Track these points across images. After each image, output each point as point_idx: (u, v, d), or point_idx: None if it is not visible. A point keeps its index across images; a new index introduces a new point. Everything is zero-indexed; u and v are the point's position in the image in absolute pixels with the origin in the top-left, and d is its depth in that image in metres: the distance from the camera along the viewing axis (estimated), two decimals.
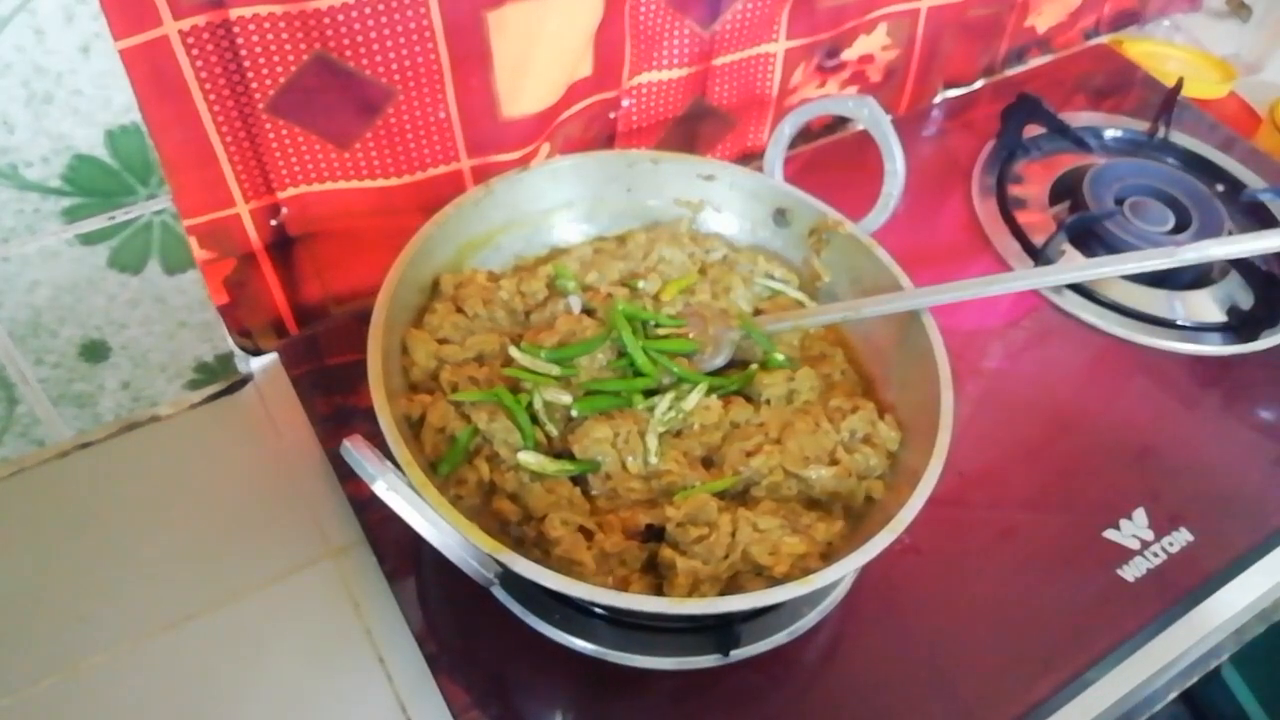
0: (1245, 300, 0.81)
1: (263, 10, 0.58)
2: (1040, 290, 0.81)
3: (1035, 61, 1.07)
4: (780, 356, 0.64)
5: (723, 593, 0.53)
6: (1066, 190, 0.90)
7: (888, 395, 0.64)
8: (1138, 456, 0.71)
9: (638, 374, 0.61)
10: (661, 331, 0.65)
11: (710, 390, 0.62)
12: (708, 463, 0.60)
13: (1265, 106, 1.04)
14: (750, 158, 0.89)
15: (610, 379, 0.61)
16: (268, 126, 0.63)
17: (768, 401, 0.62)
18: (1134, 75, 1.05)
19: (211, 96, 0.60)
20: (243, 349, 0.73)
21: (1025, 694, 0.59)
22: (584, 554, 0.53)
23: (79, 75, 0.54)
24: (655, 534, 0.56)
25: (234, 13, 0.58)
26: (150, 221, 0.62)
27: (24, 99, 0.53)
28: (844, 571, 0.51)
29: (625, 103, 0.79)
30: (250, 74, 0.60)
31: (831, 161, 0.91)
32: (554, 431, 0.59)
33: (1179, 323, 0.80)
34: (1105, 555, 0.65)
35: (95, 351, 0.65)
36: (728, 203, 0.72)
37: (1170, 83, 0.98)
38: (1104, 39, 1.11)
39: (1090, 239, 0.84)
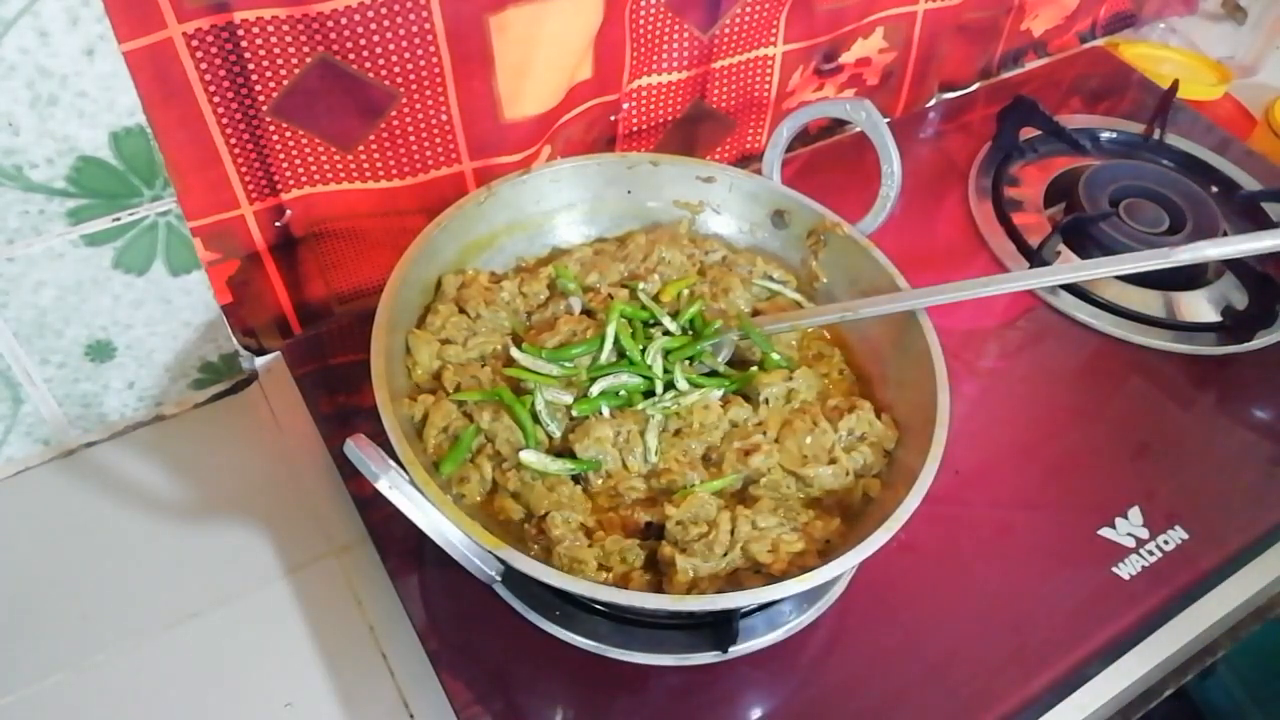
0: (1240, 301, 0.81)
1: (266, 13, 0.59)
2: (1036, 291, 0.82)
3: (1031, 64, 1.07)
4: (778, 356, 0.65)
5: (721, 590, 0.53)
6: (1062, 192, 0.90)
7: (885, 395, 0.64)
8: (1133, 455, 0.72)
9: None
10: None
11: (709, 390, 0.62)
12: (707, 462, 0.60)
13: (1260, 108, 1.05)
14: (749, 160, 0.89)
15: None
16: (271, 129, 0.64)
17: (766, 401, 0.62)
18: (1129, 77, 1.06)
19: (215, 99, 0.61)
20: (247, 349, 0.73)
21: (1021, 690, 0.59)
22: (585, 551, 0.54)
23: (84, 77, 0.54)
24: (655, 532, 0.57)
25: (238, 15, 0.58)
26: (155, 223, 0.62)
27: (29, 101, 0.53)
28: (841, 569, 0.51)
29: (625, 105, 0.80)
30: (254, 76, 0.61)
31: (829, 164, 0.91)
32: (555, 431, 0.59)
33: (1174, 323, 0.80)
34: (1101, 553, 0.65)
35: (100, 351, 0.66)
36: (727, 204, 0.73)
37: (1166, 85, 0.99)
38: (1100, 42, 1.11)
39: (1085, 240, 0.85)
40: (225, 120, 0.62)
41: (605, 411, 0.60)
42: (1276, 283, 0.78)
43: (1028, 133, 0.94)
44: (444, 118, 0.68)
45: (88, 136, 0.56)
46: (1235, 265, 0.82)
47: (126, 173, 0.59)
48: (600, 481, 0.58)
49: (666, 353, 0.63)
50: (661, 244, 0.69)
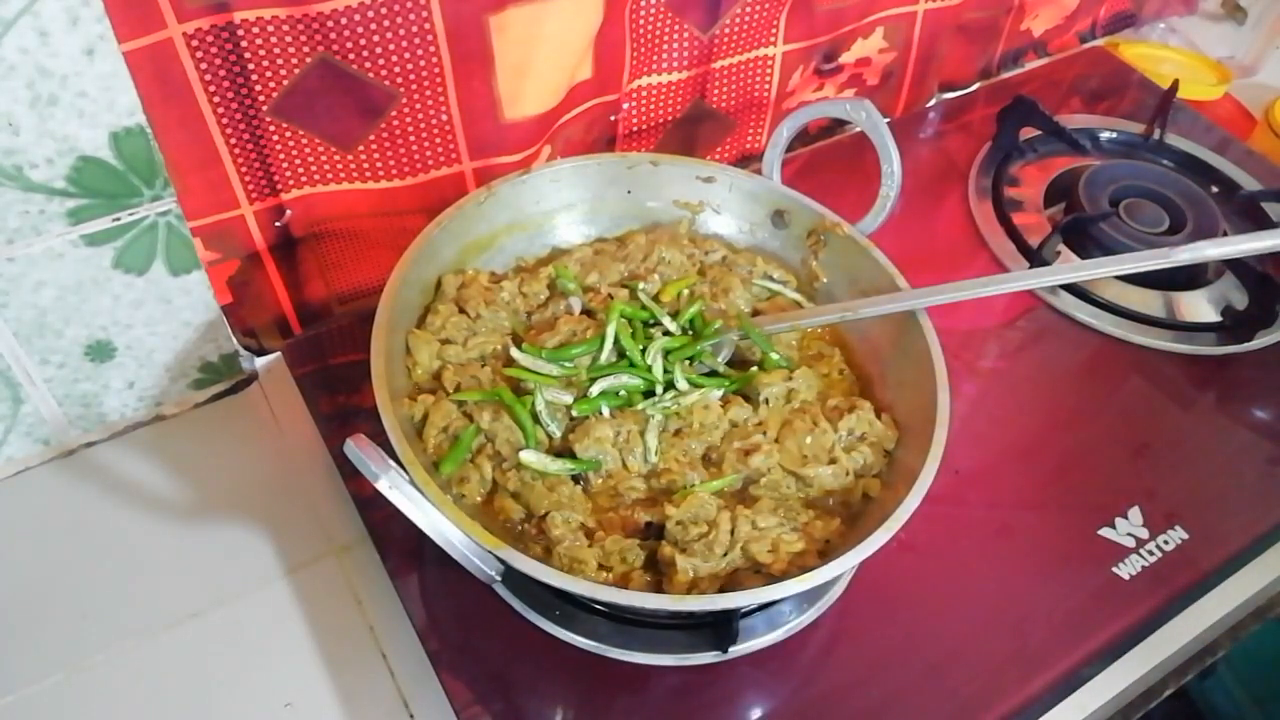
0: (1240, 300, 0.81)
1: (266, 13, 0.59)
2: (1036, 291, 0.82)
3: (1031, 64, 1.07)
4: (778, 356, 0.65)
5: (721, 590, 0.53)
6: (1062, 192, 0.90)
7: (885, 395, 0.64)
8: (1133, 455, 0.72)
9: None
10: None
11: (710, 390, 0.62)
12: (707, 462, 0.60)
13: (1260, 108, 1.05)
14: (749, 160, 0.89)
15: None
16: (271, 129, 0.64)
17: (766, 401, 0.62)
18: (1129, 77, 1.06)
19: (215, 99, 0.61)
20: (247, 349, 0.73)
21: (1021, 690, 0.59)
22: (585, 551, 0.54)
23: (84, 77, 0.54)
24: (655, 532, 0.57)
25: (238, 15, 0.58)
26: (155, 223, 0.62)
27: (29, 101, 0.53)
28: (841, 569, 0.51)
29: (625, 105, 0.80)
30: (254, 76, 0.61)
31: (829, 164, 0.91)
32: (555, 431, 0.59)
33: (1174, 323, 0.80)
34: (1101, 553, 0.65)
35: (100, 351, 0.66)
36: (727, 204, 0.73)
37: (1166, 85, 0.99)
38: (1100, 42, 1.11)
39: (1086, 240, 0.85)
40: (225, 120, 0.62)
41: (605, 411, 0.60)
42: (1276, 283, 0.78)
43: (1028, 133, 0.94)
44: (444, 118, 0.68)
45: (88, 136, 0.56)
46: (1235, 265, 0.82)
47: (126, 173, 0.59)
48: (600, 481, 0.58)
49: (666, 353, 0.63)
50: (661, 244, 0.69)
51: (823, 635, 0.61)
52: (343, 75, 0.63)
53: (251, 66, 0.60)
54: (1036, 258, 0.82)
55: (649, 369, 0.62)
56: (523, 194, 0.69)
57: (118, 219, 0.61)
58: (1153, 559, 0.65)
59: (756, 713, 0.58)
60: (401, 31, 0.62)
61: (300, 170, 0.67)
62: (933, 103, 1.01)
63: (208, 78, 0.60)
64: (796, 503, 0.58)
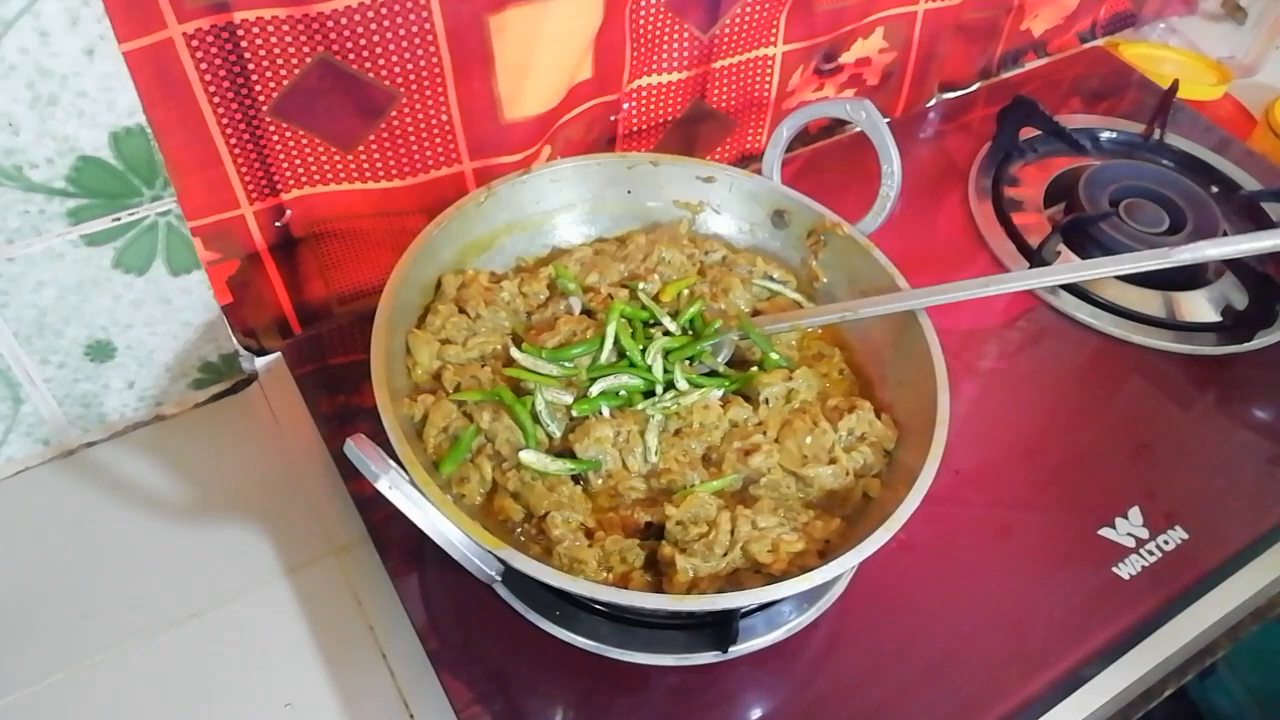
0: (1240, 301, 0.81)
1: (266, 13, 0.59)
2: (1036, 291, 0.82)
3: (1031, 64, 1.07)
4: (778, 356, 0.65)
5: (721, 590, 0.53)
6: (1062, 192, 0.90)
7: (885, 395, 0.64)
8: (1133, 455, 0.72)
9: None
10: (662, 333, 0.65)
11: (710, 390, 0.62)
12: (707, 462, 0.60)
13: (1260, 108, 1.05)
14: (749, 160, 0.90)
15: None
16: (271, 129, 0.64)
17: (766, 401, 0.62)
18: (1130, 77, 1.06)
19: (216, 99, 0.61)
20: (247, 349, 0.73)
21: (1021, 690, 0.59)
22: (585, 552, 0.54)
23: (84, 77, 0.54)
24: (655, 532, 0.57)
25: (238, 16, 0.58)
26: (155, 223, 0.62)
27: (29, 101, 0.53)
28: (841, 569, 0.51)
29: (625, 105, 0.80)
30: (254, 76, 0.61)
31: (829, 164, 0.91)
32: (555, 431, 0.59)
33: (1174, 323, 0.80)
34: (1101, 553, 0.65)
35: (100, 351, 0.66)
36: (727, 204, 0.73)
37: (1166, 85, 0.99)
38: (1100, 42, 1.11)
39: (1086, 240, 0.85)
40: (225, 120, 0.62)
41: (605, 411, 0.60)
42: (1276, 283, 0.78)
43: (1028, 133, 0.94)
44: (444, 118, 0.68)
45: (88, 136, 0.56)
46: (1235, 265, 0.82)
47: (126, 173, 0.59)
48: (600, 481, 0.58)
49: (666, 353, 0.63)
50: (661, 244, 0.69)
51: (823, 635, 0.61)
52: (343, 75, 0.63)
53: (251, 66, 0.60)
54: (1036, 258, 0.82)
55: (649, 369, 0.62)
56: (523, 194, 0.69)
57: (118, 219, 0.61)
58: (1153, 559, 0.65)
59: (756, 713, 0.58)
60: (401, 31, 0.62)
61: (300, 170, 0.67)
62: (933, 103, 1.01)
63: (208, 78, 0.60)
64: (797, 503, 0.58)
